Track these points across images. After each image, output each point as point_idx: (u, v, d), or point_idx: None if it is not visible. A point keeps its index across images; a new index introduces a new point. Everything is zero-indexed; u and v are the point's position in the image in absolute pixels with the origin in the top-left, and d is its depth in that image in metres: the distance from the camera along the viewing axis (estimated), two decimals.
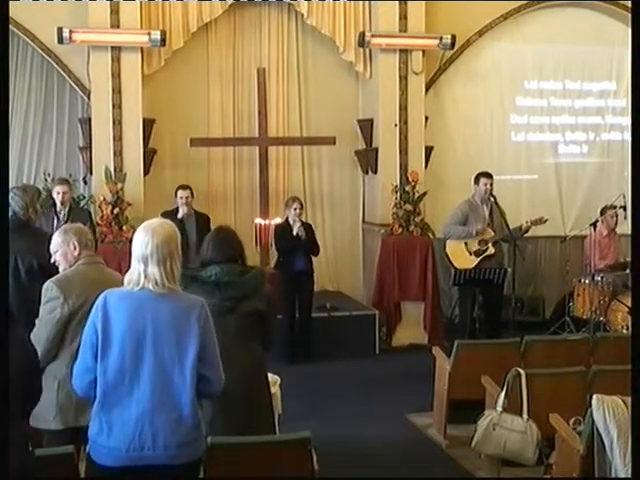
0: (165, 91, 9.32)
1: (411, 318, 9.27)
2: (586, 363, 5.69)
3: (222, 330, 3.48)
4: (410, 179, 9.28)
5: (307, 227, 8.54)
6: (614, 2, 10.20)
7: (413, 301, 9.26)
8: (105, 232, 8.47)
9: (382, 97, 9.43)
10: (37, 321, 4.27)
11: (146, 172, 9.08)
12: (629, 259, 7.66)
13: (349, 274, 10.10)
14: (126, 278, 3.44)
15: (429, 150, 9.65)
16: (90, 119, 8.91)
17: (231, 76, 9.65)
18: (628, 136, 9.60)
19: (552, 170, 10.56)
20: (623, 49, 9.83)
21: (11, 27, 8.36)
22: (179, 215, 8.27)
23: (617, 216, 9.02)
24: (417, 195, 9.27)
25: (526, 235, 8.57)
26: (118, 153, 8.84)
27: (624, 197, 8.50)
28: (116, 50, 8.76)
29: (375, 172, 9.63)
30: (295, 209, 8.42)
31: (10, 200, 5.24)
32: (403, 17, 9.30)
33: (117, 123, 8.82)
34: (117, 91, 8.79)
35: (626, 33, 9.51)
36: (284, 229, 8.49)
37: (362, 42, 9.24)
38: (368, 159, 9.70)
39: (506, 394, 5.24)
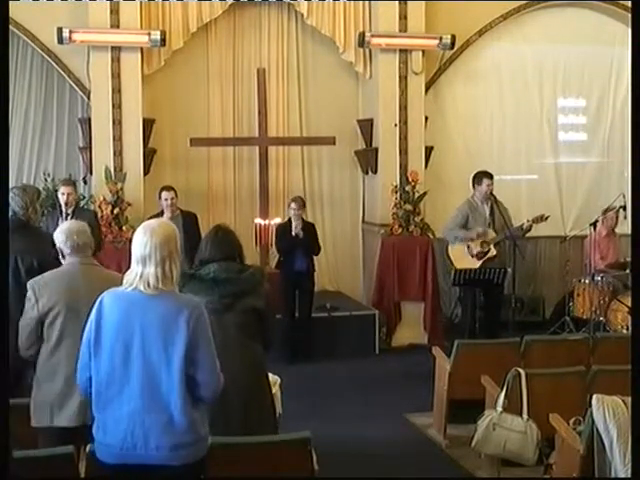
0: (165, 91, 9.33)
1: (411, 318, 9.27)
2: (586, 363, 5.68)
3: (221, 327, 3.49)
4: (410, 179, 9.28)
5: (309, 226, 8.54)
6: (614, 2, 10.19)
7: (413, 301, 9.26)
8: (105, 232, 8.46)
9: (382, 97, 9.42)
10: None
11: (146, 172, 9.07)
12: (629, 259, 7.66)
13: (349, 274, 10.10)
14: (125, 278, 3.44)
15: (429, 150, 9.65)
16: (90, 119, 8.91)
17: (231, 76, 9.65)
18: (628, 136, 9.60)
19: (552, 170, 10.56)
20: (623, 49, 9.84)
21: (11, 27, 8.35)
22: (165, 217, 8.16)
23: (617, 216, 9.02)
24: (417, 195, 9.27)
25: (526, 235, 8.57)
26: (118, 153, 8.84)
27: (624, 197, 8.50)
28: (116, 50, 8.76)
29: (375, 172, 9.63)
30: (293, 208, 8.42)
31: (10, 200, 5.25)
32: (403, 17, 9.30)
33: (117, 123, 8.82)
34: (117, 91, 8.79)
35: (626, 33, 9.52)
36: (284, 229, 8.49)
37: (362, 42, 9.23)
38: (368, 159, 9.70)
39: (506, 394, 5.24)
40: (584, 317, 8.53)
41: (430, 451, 6.12)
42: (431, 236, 9.31)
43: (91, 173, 8.99)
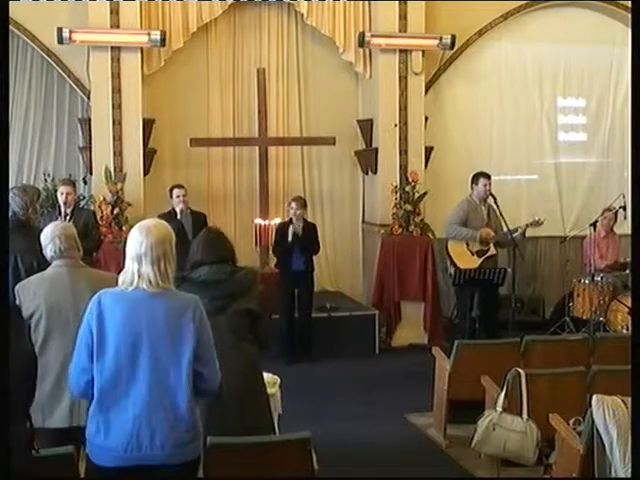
0: (165, 91, 9.33)
1: (411, 318, 9.27)
2: (586, 363, 5.68)
3: (213, 329, 3.49)
4: (410, 179, 9.27)
5: (310, 226, 8.53)
6: (614, 2, 10.20)
7: (413, 301, 9.26)
8: (105, 232, 8.46)
9: (382, 97, 9.42)
10: None
11: (146, 172, 9.07)
12: (629, 259, 7.66)
13: (349, 274, 10.10)
14: (120, 278, 3.43)
15: (429, 150, 9.65)
16: (90, 119, 8.91)
17: (231, 76, 9.65)
18: (628, 136, 9.60)
19: (552, 170, 10.56)
20: (623, 49, 9.83)
21: (11, 27, 8.36)
22: (178, 215, 8.25)
23: (617, 216, 9.02)
24: (417, 195, 9.27)
25: (526, 235, 8.57)
26: (118, 153, 8.84)
27: (624, 197, 8.50)
28: (116, 50, 8.76)
29: (375, 172, 9.63)
30: (293, 208, 8.42)
31: (10, 200, 5.25)
32: (403, 17, 9.30)
33: (117, 123, 8.82)
34: (117, 91, 8.78)
35: (626, 33, 9.53)
36: (285, 229, 8.49)
37: (362, 42, 9.23)
38: (368, 159, 9.70)
39: (506, 394, 5.24)
40: (584, 317, 8.52)
41: (430, 451, 6.12)
42: (431, 236, 9.31)
43: (91, 173, 8.99)
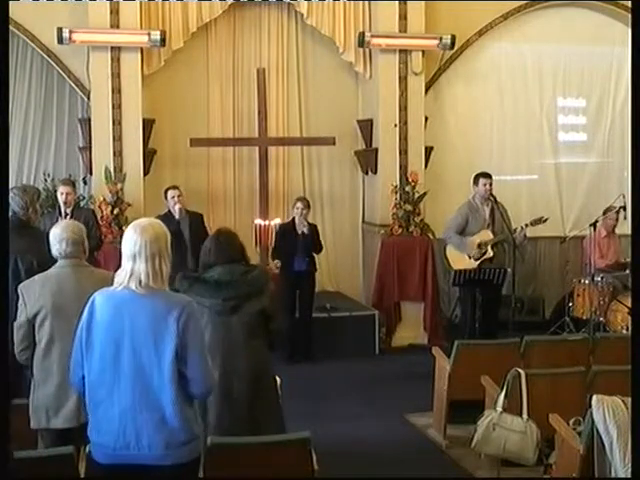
0: (165, 91, 9.32)
1: (411, 318, 9.27)
2: (586, 363, 5.68)
3: (226, 329, 3.49)
4: (410, 179, 9.27)
5: (312, 227, 8.53)
6: (614, 2, 10.20)
7: (413, 301, 9.26)
8: (105, 232, 8.46)
9: (382, 97, 9.42)
10: None
11: (146, 172, 9.07)
12: (629, 259, 7.66)
13: (349, 274, 10.10)
14: (116, 278, 3.44)
15: (429, 150, 9.65)
16: (90, 119, 8.91)
17: (231, 76, 9.65)
18: (628, 136, 9.60)
19: (552, 170, 10.56)
20: (623, 49, 9.83)
21: (11, 27, 8.36)
22: (176, 216, 8.19)
23: (617, 216, 9.01)
24: (417, 195, 9.27)
25: (527, 235, 8.56)
26: (118, 153, 8.84)
27: (624, 197, 8.50)
28: (116, 50, 8.76)
29: (375, 172, 9.63)
30: (299, 208, 8.42)
31: (10, 200, 5.26)
32: (403, 17, 9.30)
33: (117, 123, 8.82)
34: (117, 91, 8.78)
35: (626, 33, 9.51)
36: (287, 229, 8.49)
37: (362, 42, 9.23)
38: (368, 159, 9.70)
39: (506, 394, 5.24)
40: (584, 317, 8.52)
41: (430, 451, 6.12)
42: (431, 236, 9.31)
43: (91, 173, 8.99)
